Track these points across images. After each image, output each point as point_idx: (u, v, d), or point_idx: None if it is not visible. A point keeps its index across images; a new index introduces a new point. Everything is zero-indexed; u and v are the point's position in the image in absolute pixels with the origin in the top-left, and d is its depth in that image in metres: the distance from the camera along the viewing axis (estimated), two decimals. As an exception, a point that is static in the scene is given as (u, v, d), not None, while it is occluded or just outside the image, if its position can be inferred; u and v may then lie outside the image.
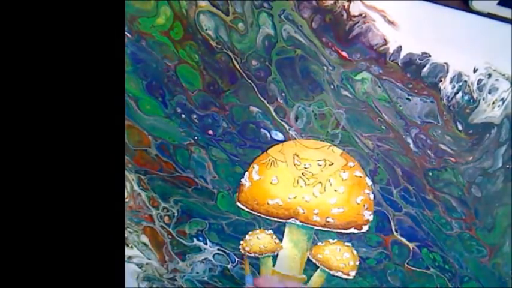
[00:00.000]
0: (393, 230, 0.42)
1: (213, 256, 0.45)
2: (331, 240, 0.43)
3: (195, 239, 0.44)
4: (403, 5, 0.35)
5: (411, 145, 0.39)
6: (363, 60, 0.37)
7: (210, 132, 0.40)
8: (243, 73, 0.38)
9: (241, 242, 0.43)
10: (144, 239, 0.45)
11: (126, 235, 0.44)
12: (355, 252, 0.43)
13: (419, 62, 0.37)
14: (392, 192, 0.41)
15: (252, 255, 0.44)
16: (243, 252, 0.44)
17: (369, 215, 0.41)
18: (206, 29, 0.37)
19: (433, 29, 0.36)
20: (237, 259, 0.44)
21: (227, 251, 0.44)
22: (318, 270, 0.44)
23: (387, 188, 0.40)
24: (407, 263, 0.43)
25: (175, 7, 0.36)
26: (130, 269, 0.46)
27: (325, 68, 0.38)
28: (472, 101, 0.38)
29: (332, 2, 0.35)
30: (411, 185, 0.40)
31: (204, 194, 0.42)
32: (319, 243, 0.43)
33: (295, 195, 0.41)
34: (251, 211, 0.42)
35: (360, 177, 0.40)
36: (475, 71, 0.37)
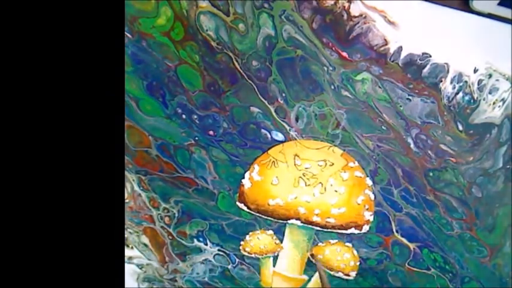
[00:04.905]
0: (394, 230, 0.42)
1: (214, 257, 0.45)
2: (331, 241, 0.43)
3: (195, 240, 0.44)
4: (403, 5, 0.35)
5: (412, 145, 0.39)
6: (363, 60, 0.37)
7: (211, 132, 0.40)
8: (243, 73, 0.38)
9: (242, 242, 0.43)
10: (145, 239, 0.45)
11: (126, 236, 0.44)
12: (355, 252, 0.43)
13: (420, 62, 0.37)
14: (393, 193, 0.41)
15: (253, 255, 0.44)
16: (243, 252, 0.44)
17: (369, 216, 0.41)
18: (207, 30, 0.37)
19: (433, 29, 0.36)
20: (237, 260, 0.44)
21: (227, 252, 0.44)
22: (319, 271, 0.44)
23: (388, 189, 0.40)
24: (408, 264, 0.43)
25: (175, 8, 0.36)
26: (130, 269, 0.46)
27: (326, 69, 0.38)
28: (472, 101, 0.38)
29: (332, 2, 0.35)
30: (412, 186, 0.40)
31: (205, 194, 0.42)
32: (320, 244, 0.43)
33: (295, 196, 0.40)
34: (251, 212, 0.42)
35: (361, 177, 0.40)
36: (475, 71, 0.37)
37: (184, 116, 0.40)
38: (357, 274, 0.44)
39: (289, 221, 0.41)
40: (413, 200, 0.41)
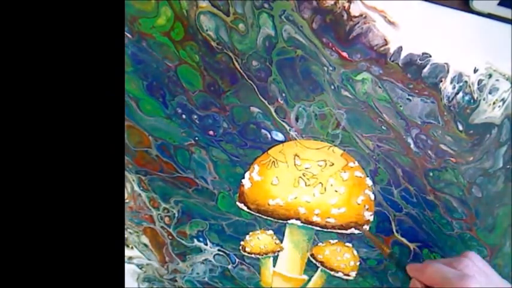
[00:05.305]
0: (394, 230, 0.42)
1: (214, 257, 0.45)
2: (331, 241, 0.43)
3: (195, 240, 0.44)
4: (403, 5, 0.35)
5: (412, 145, 0.39)
6: (363, 60, 0.37)
7: (211, 132, 0.40)
8: (243, 74, 0.38)
9: (242, 242, 0.43)
10: (145, 239, 0.45)
11: (126, 236, 0.44)
12: (355, 252, 0.43)
13: (420, 62, 0.37)
14: (393, 193, 0.41)
15: (253, 255, 0.44)
16: (243, 252, 0.44)
17: (369, 216, 0.41)
18: (207, 30, 0.37)
19: (433, 29, 0.36)
20: (237, 260, 0.44)
21: (227, 252, 0.44)
22: (319, 271, 0.44)
23: (388, 189, 0.40)
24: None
25: (175, 8, 0.36)
26: (130, 269, 0.46)
27: (326, 69, 0.38)
28: (472, 101, 0.38)
29: (332, 2, 0.35)
30: (412, 186, 0.40)
31: (205, 194, 0.42)
32: (320, 244, 0.43)
33: (295, 196, 0.41)
34: (251, 212, 0.42)
35: (361, 177, 0.40)
36: (475, 71, 0.37)
37: (184, 116, 0.40)
38: (357, 274, 0.44)
39: (289, 221, 0.41)
40: (413, 200, 0.41)
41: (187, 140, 0.40)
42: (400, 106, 0.38)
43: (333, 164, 0.40)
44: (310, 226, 0.41)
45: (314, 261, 0.43)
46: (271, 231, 0.43)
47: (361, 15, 0.36)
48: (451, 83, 0.37)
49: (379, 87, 0.38)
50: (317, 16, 0.36)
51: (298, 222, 0.41)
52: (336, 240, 0.43)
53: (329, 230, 0.41)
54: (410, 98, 0.38)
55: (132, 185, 0.42)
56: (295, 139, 0.40)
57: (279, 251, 0.44)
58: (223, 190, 0.42)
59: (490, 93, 0.38)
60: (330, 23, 0.36)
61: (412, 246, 0.42)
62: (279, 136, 0.40)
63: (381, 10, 0.36)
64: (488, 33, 0.36)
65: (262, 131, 0.40)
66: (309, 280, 0.44)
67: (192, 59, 0.38)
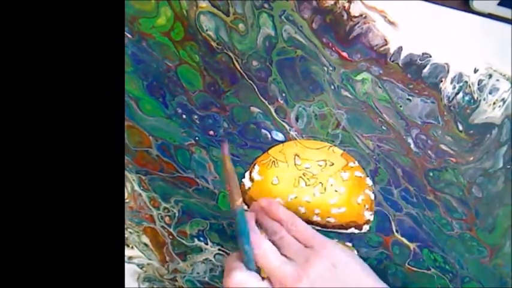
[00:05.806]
0: (394, 230, 0.42)
1: (214, 256, 0.45)
2: (331, 241, 0.43)
3: (195, 239, 0.44)
4: (403, 5, 0.35)
5: (412, 145, 0.39)
6: (363, 60, 0.37)
7: (211, 132, 0.40)
8: (243, 74, 0.38)
9: (242, 242, 0.43)
10: (145, 239, 0.45)
11: (126, 235, 0.44)
12: (355, 252, 0.43)
13: (420, 62, 0.37)
14: (393, 193, 0.41)
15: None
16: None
17: (369, 215, 0.41)
18: (207, 30, 0.37)
19: (433, 29, 0.36)
20: (237, 259, 0.44)
21: (228, 251, 0.44)
22: (319, 271, 0.44)
23: (388, 188, 0.40)
24: (408, 264, 0.42)
25: (175, 8, 0.36)
26: (131, 269, 0.46)
27: (326, 69, 0.38)
28: (472, 101, 0.38)
29: (332, 2, 0.35)
30: (412, 186, 0.40)
31: (205, 194, 0.42)
32: (320, 244, 0.43)
33: (295, 196, 0.41)
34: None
35: (361, 177, 0.40)
36: (475, 71, 0.37)
37: (184, 116, 0.40)
38: (357, 274, 0.43)
39: (289, 221, 0.41)
40: (413, 200, 0.41)
41: (187, 140, 0.40)
42: (400, 106, 0.38)
43: (333, 164, 0.40)
44: (310, 226, 0.41)
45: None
46: (271, 231, 0.43)
47: (361, 15, 0.36)
48: (451, 83, 0.37)
49: (379, 87, 0.38)
50: (317, 16, 0.36)
51: (298, 222, 0.41)
52: (336, 240, 0.43)
53: (329, 229, 0.41)
54: (410, 98, 0.38)
55: (132, 184, 0.42)
56: (295, 139, 0.40)
57: (279, 251, 0.44)
58: (223, 190, 0.42)
59: (490, 93, 0.37)
60: (330, 23, 0.36)
61: (412, 246, 0.42)
62: (279, 136, 0.40)
63: (381, 10, 0.36)
64: (488, 33, 0.36)
65: (262, 131, 0.40)
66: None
67: (192, 59, 0.38)
